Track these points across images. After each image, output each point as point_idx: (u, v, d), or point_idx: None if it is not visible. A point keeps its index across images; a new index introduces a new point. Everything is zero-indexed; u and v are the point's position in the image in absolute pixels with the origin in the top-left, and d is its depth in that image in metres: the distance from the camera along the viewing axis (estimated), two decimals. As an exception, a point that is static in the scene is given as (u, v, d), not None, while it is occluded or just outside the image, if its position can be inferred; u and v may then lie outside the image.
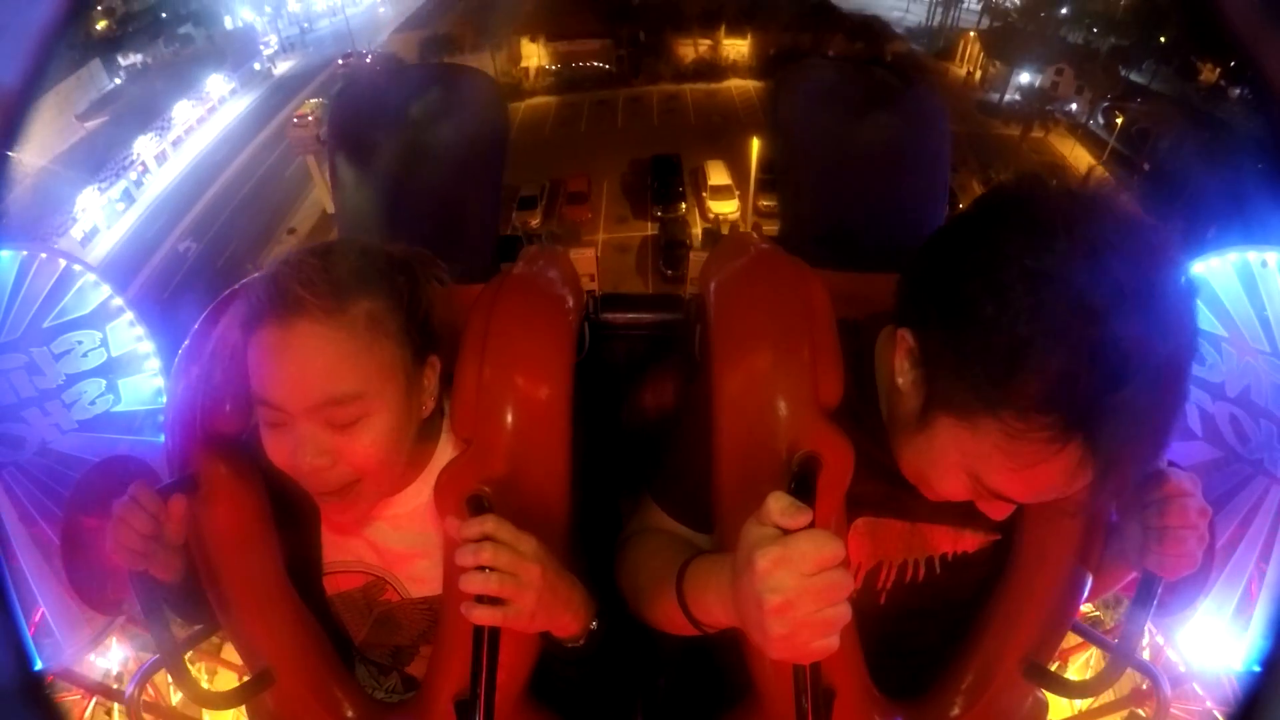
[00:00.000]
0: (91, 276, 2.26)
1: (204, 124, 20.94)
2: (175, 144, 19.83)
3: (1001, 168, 16.08)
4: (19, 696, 0.54)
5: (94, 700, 3.11)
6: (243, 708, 0.98)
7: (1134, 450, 0.67)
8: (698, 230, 16.29)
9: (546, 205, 16.66)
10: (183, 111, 20.55)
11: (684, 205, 16.79)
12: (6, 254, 2.17)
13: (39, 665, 0.61)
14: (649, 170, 17.61)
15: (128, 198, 17.88)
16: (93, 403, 2.28)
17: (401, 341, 0.83)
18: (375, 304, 0.81)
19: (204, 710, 2.96)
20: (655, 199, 16.91)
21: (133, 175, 18.24)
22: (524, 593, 0.73)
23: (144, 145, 18.96)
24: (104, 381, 2.29)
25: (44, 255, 2.22)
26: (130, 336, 2.31)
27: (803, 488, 0.73)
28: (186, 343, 0.96)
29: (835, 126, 1.19)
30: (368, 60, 22.41)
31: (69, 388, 2.25)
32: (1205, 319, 2.01)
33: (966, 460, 0.73)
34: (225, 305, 0.95)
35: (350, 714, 0.96)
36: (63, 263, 2.23)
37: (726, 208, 16.44)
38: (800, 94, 1.27)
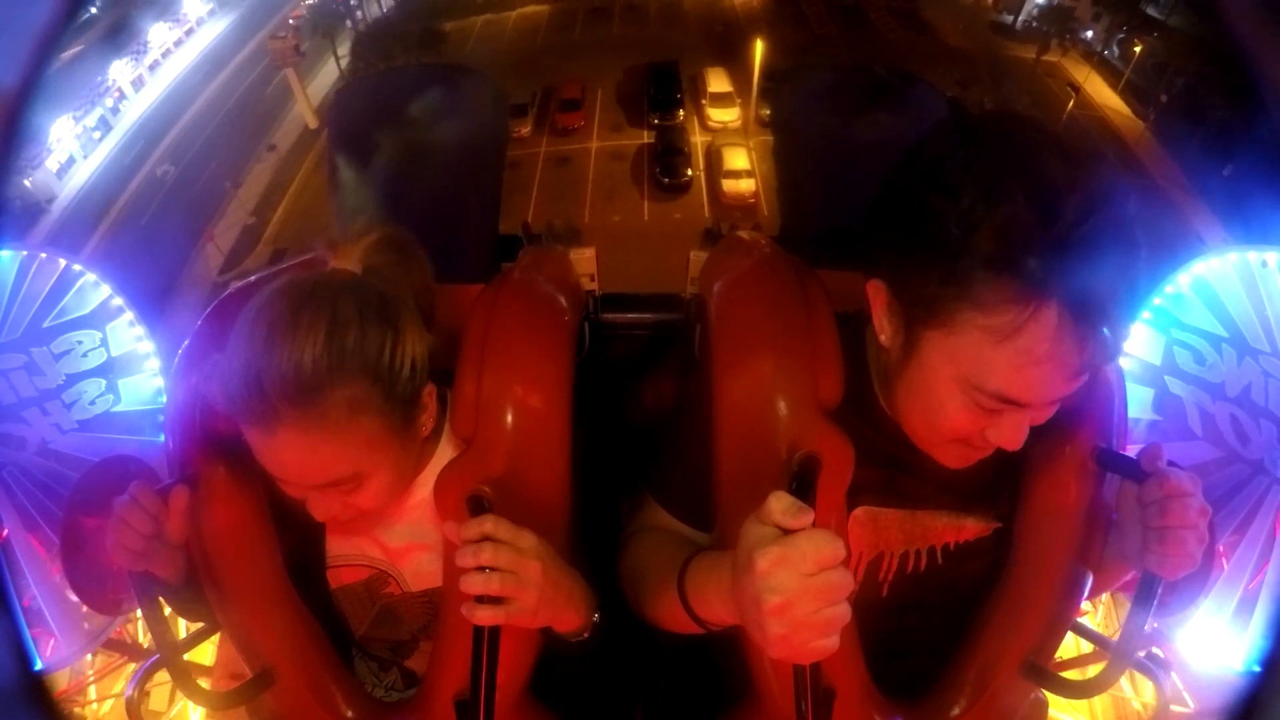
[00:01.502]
0: (91, 276, 2.26)
1: (182, 46, 19.71)
2: (152, 68, 18.67)
3: (1013, 88, 15.46)
4: (19, 696, 0.54)
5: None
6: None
7: (1109, 300, 0.67)
8: (696, 139, 15.63)
9: (538, 113, 15.82)
10: (159, 34, 19.27)
11: (682, 113, 16.03)
12: (6, 254, 2.17)
13: (39, 665, 0.60)
14: (646, 78, 16.79)
15: (104, 125, 17.04)
16: (93, 403, 2.28)
17: (388, 409, 0.81)
18: (352, 389, 0.78)
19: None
20: (652, 106, 16.12)
21: (109, 102, 17.32)
22: (525, 590, 0.73)
23: (119, 71, 17.81)
24: (104, 381, 2.29)
25: (44, 255, 2.22)
26: (130, 336, 2.30)
27: (803, 487, 0.73)
28: (186, 343, 0.96)
29: (835, 126, 1.19)
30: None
31: (69, 388, 2.26)
32: (1205, 319, 2.02)
33: (958, 368, 0.73)
34: (225, 305, 0.95)
35: (349, 714, 0.95)
36: (63, 262, 2.23)
37: (727, 115, 15.72)
38: (800, 94, 1.27)
